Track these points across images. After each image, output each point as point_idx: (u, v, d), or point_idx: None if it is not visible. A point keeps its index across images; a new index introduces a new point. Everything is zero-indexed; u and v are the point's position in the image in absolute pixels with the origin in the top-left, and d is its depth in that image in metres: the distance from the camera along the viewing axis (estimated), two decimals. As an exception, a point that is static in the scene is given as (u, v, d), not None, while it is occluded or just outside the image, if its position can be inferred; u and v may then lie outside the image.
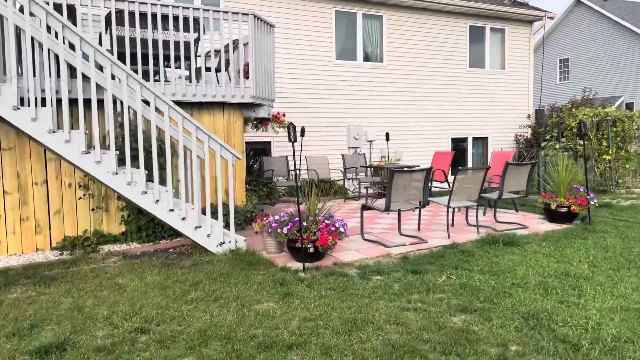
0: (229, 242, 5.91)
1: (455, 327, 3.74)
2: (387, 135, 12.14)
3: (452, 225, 7.35)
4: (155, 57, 6.61)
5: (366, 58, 12.84)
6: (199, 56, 7.74)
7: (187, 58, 6.97)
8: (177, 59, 6.83)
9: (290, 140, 5.16)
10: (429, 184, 7.31)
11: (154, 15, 6.51)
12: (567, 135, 11.67)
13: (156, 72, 6.86)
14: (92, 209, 6.29)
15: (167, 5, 6.49)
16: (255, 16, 7.16)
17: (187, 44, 6.90)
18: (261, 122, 8.37)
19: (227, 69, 7.50)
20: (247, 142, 11.37)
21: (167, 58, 6.73)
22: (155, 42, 6.55)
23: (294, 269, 5.25)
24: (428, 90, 13.73)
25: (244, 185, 7.65)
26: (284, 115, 8.58)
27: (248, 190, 9.83)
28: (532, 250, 5.88)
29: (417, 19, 13.42)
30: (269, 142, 11.64)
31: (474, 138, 14.96)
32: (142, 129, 5.87)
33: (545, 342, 3.46)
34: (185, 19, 6.74)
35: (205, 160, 5.85)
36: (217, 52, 8.22)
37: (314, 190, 5.72)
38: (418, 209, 6.55)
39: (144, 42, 6.49)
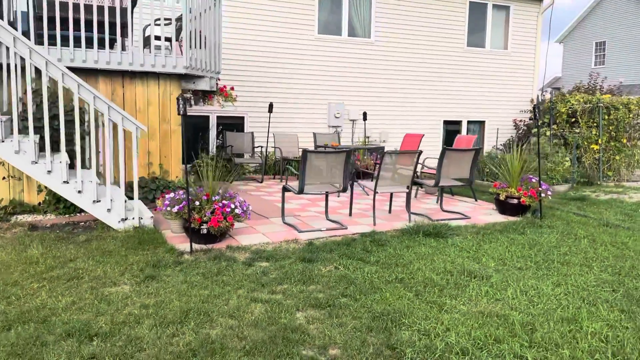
0: (133, 218, 5.65)
1: (291, 324, 3.39)
2: (365, 114, 11.63)
3: (390, 212, 6.91)
4: (77, 22, 6.33)
5: (352, 33, 12.29)
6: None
7: (122, 25, 6.68)
8: (102, 25, 6.53)
9: (179, 114, 4.82)
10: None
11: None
12: (558, 122, 10.92)
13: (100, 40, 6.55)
14: (3, 178, 6.14)
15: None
16: (190, -19, 6.78)
17: (114, 10, 6.58)
18: (206, 95, 8.05)
19: (169, 39, 7.18)
20: (218, 117, 11.10)
21: (90, 24, 6.43)
22: (76, 5, 6.28)
23: (181, 250, 4.96)
24: (420, 69, 13.09)
25: (180, 160, 7.38)
26: (232, 88, 8.23)
27: (206, 166, 9.58)
28: (452, 243, 5.42)
29: (408, -8, 12.72)
30: (242, 117, 11.33)
31: (469, 122, 14.26)
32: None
33: (370, 347, 3.08)
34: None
35: (107, 130, 5.55)
36: (166, 20, 7.89)
37: (214, 169, 5.38)
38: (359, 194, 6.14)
39: (64, 5, 6.23)
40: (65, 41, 6.32)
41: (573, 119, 10.40)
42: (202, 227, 5.02)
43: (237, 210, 5.10)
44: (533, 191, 6.69)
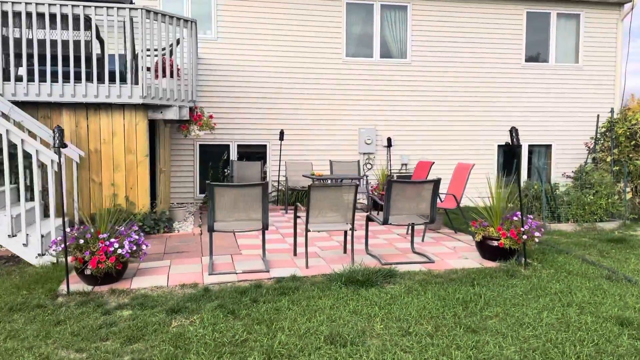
0: (51, 254, 5.50)
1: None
2: (389, 140, 10.73)
3: (345, 251, 6.06)
4: (42, 57, 6.50)
5: (386, 54, 11.51)
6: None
7: (87, 59, 6.75)
8: (66, 59, 6.62)
9: (54, 146, 4.57)
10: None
11: (40, 14, 6.43)
12: (621, 146, 9.14)
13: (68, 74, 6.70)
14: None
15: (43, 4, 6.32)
16: (146, 10, 6.67)
17: (77, 43, 6.67)
18: (180, 125, 7.83)
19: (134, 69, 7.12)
20: (239, 145, 10.92)
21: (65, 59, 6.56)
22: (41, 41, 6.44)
23: (60, 291, 4.66)
24: (467, 90, 11.86)
25: (147, 191, 7.20)
26: (210, 117, 7.92)
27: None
28: (373, 294, 4.50)
29: (453, 7, 11.64)
30: (265, 145, 11.04)
31: (530, 145, 12.59)
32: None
33: None
34: (64, 17, 6.51)
35: (19, 164, 5.48)
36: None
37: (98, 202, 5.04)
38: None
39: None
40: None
41: (633, 142, 8.61)
42: (85, 267, 4.68)
43: (120, 251, 4.70)
44: (514, 232, 5.45)
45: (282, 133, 9.82)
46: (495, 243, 5.58)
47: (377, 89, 11.43)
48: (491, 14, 11.88)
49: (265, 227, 5.26)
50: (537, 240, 5.53)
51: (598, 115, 10.04)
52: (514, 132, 5.42)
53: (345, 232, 5.78)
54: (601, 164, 9.38)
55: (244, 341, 3.58)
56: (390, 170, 11.29)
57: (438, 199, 7.91)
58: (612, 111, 9.34)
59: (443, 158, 11.85)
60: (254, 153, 10.92)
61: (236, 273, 5.17)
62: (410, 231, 6.10)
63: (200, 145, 10.66)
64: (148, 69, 7.11)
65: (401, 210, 5.52)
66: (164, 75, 7.14)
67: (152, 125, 7.86)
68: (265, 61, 10.74)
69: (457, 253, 6.09)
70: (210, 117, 7.87)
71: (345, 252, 6.02)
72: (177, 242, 6.66)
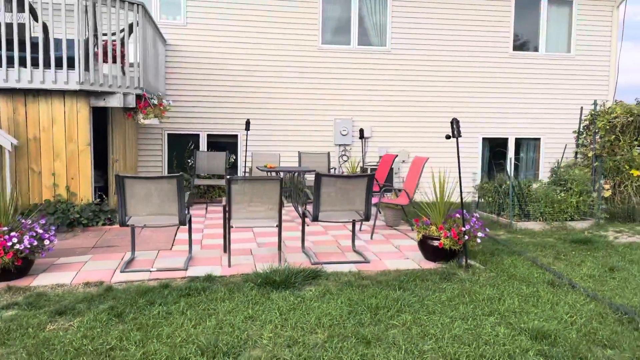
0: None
1: None
2: (362, 131, 10.33)
3: (280, 248, 5.70)
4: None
5: (364, 42, 11.06)
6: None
7: (21, 43, 6.45)
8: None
9: None
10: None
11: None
12: (602, 140, 8.63)
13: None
14: None
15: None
16: (83, -8, 6.34)
17: (9, 26, 6.37)
18: (126, 112, 7.50)
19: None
20: (209, 135, 10.59)
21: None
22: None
23: (-46, 287, 4.39)
24: (451, 80, 11.37)
25: (89, 181, 6.90)
26: (160, 104, 7.58)
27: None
28: (275, 299, 4.14)
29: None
30: (236, 136, 10.70)
31: (517, 139, 12.08)
32: None
33: None
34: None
35: None
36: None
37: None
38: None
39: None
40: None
41: (613, 136, 8.10)
42: (-19, 261, 4.40)
43: (18, 246, 4.40)
44: (455, 231, 5.04)
45: (248, 123, 9.46)
46: (435, 243, 5.18)
47: (355, 78, 11.00)
48: (477, 0, 11.35)
49: (181, 223, 4.92)
50: (479, 240, 5.12)
51: (582, 108, 9.52)
52: (454, 123, 5.01)
53: (277, 227, 5.42)
54: (583, 159, 8.88)
55: (110, 349, 3.26)
56: (364, 162, 10.88)
57: (394, 195, 7.51)
58: (595, 103, 8.81)
59: (424, 151, 11.40)
60: (226, 143, 10.59)
61: (150, 271, 4.85)
62: (352, 228, 5.70)
63: (168, 134, 10.36)
64: (92, 54, 6.78)
65: (333, 207, 5.13)
66: (105, 61, 6.82)
67: (105, 113, 7.56)
68: (237, 47, 10.37)
69: (400, 253, 5.70)
70: (160, 104, 7.52)
71: (280, 248, 5.66)
72: (113, 236, 6.37)
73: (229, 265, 5.01)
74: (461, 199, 5.13)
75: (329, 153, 9.78)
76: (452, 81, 11.37)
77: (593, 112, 8.36)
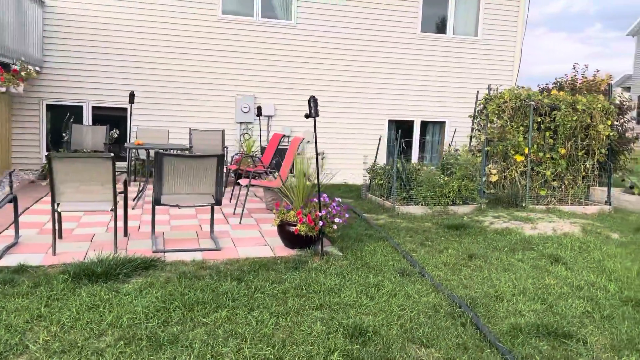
0: None
1: None
2: (259, 109, 9.90)
3: (126, 234, 5.20)
4: None
5: (269, 14, 10.52)
6: None
7: None
8: None
9: None
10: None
11: None
12: (492, 125, 8.59)
13: None
14: None
15: None
16: None
17: None
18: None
19: None
20: (94, 107, 9.78)
21: None
22: None
23: None
24: (358, 59, 11.06)
25: None
26: (16, 71, 6.82)
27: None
28: (85, 294, 3.66)
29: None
30: (125, 109, 9.92)
31: (424, 122, 12.02)
32: None
33: None
34: None
35: None
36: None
37: None
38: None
39: None
40: None
41: (502, 121, 8.07)
42: None
43: None
44: (310, 217, 4.72)
45: (132, 95, 8.75)
46: (292, 229, 4.85)
47: (259, 53, 10.48)
48: (385, -22, 11.06)
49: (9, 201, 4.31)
50: (335, 227, 4.83)
51: (477, 92, 9.48)
52: (312, 101, 4.65)
53: (114, 211, 4.90)
54: (478, 144, 8.85)
55: None
56: (261, 142, 10.45)
57: (272, 177, 7.15)
58: (489, 88, 8.77)
59: (330, 132, 11.11)
60: (115, 118, 9.83)
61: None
62: (211, 213, 5.25)
63: (47, 105, 9.46)
64: None
65: (179, 189, 4.68)
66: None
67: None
68: (127, 13, 9.56)
69: (262, 239, 5.34)
70: (15, 71, 6.72)
71: (126, 234, 5.15)
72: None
73: (54, 254, 4.46)
74: (318, 182, 4.81)
75: (223, 131, 9.25)
76: (360, 60, 11.09)
77: (487, 97, 8.30)
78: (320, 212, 4.74)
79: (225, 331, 3.15)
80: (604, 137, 7.78)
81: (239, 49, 10.33)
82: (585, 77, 11.05)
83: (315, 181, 4.79)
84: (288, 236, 4.94)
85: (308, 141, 11.07)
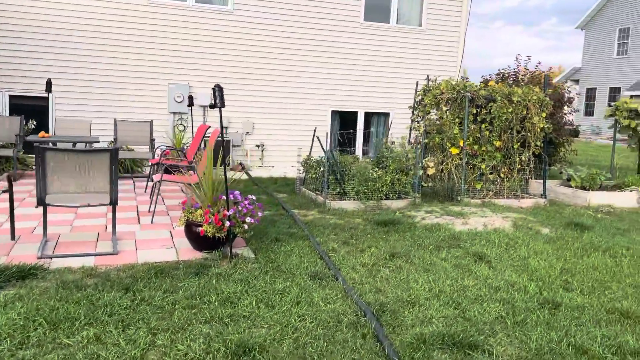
0: None
1: None
2: (191, 98, 9.38)
3: (14, 237, 4.70)
4: None
5: (203, -1, 10.00)
6: None
7: None
8: None
9: None
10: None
11: None
12: (429, 118, 8.38)
13: None
14: None
15: None
16: None
17: None
18: None
19: None
20: (11, 96, 9.07)
21: None
22: None
23: None
24: (300, 48, 10.68)
25: None
26: None
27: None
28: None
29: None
30: (47, 98, 9.25)
31: (367, 113, 11.78)
32: None
33: None
34: None
35: None
36: None
37: None
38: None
39: None
40: None
41: (438, 113, 7.86)
42: None
43: None
44: (217, 216, 4.34)
45: (49, 83, 8.12)
46: (199, 230, 4.45)
47: (193, 39, 9.97)
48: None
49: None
50: (246, 227, 4.46)
51: (417, 83, 9.26)
52: (217, 90, 4.25)
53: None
54: (417, 136, 8.62)
55: None
56: (194, 134, 9.96)
57: (191, 172, 6.73)
58: (427, 78, 8.56)
59: (270, 123, 10.72)
60: (37, 107, 9.14)
61: None
62: (112, 213, 4.80)
63: (-44, 94, 8.71)
64: None
65: (67, 188, 4.20)
66: None
67: None
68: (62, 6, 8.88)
69: (169, 241, 4.92)
70: None
71: (13, 237, 4.63)
72: None
73: None
74: (225, 178, 4.42)
75: (151, 122, 8.70)
76: (301, 49, 10.72)
77: (425, 87, 8.07)
78: (228, 211, 4.36)
79: (86, 354, 2.74)
80: (538, 130, 7.67)
81: (172, 35, 9.79)
82: (527, 69, 11.00)
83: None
84: (194, 237, 4.54)
85: (247, 132, 10.65)
